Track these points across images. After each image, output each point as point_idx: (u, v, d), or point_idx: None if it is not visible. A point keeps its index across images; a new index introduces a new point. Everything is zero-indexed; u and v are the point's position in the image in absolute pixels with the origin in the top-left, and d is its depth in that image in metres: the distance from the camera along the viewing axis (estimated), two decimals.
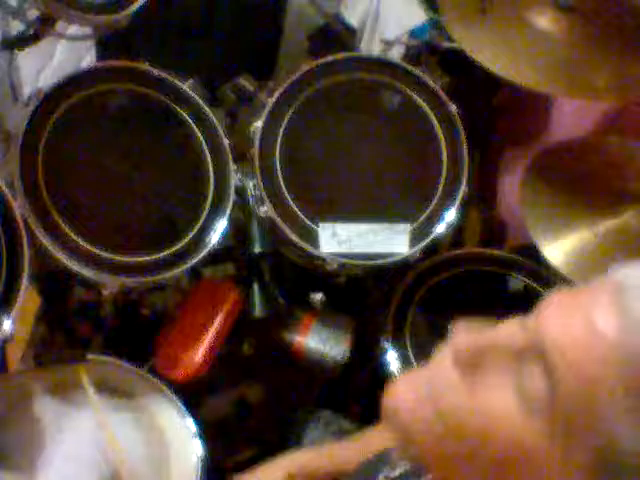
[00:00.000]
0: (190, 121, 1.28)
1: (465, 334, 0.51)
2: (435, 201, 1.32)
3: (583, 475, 0.46)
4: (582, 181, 1.30)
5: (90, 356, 1.17)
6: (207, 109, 1.29)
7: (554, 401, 0.46)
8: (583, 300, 0.47)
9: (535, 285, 1.39)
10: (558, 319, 0.47)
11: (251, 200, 1.30)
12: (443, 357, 0.52)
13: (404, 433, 0.53)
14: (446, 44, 1.47)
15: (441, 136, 1.34)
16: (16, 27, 1.28)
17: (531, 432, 0.47)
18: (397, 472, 0.70)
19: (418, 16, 1.58)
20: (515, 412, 0.47)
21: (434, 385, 0.51)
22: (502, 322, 0.51)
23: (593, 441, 0.45)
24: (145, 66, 1.27)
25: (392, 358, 1.30)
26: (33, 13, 1.22)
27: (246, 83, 1.45)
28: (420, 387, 0.52)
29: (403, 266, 1.33)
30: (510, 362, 0.49)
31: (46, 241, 1.11)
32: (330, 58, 1.35)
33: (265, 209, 1.26)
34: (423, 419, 0.51)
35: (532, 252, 1.28)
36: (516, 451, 0.47)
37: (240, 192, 1.30)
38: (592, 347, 0.45)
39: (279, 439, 1.34)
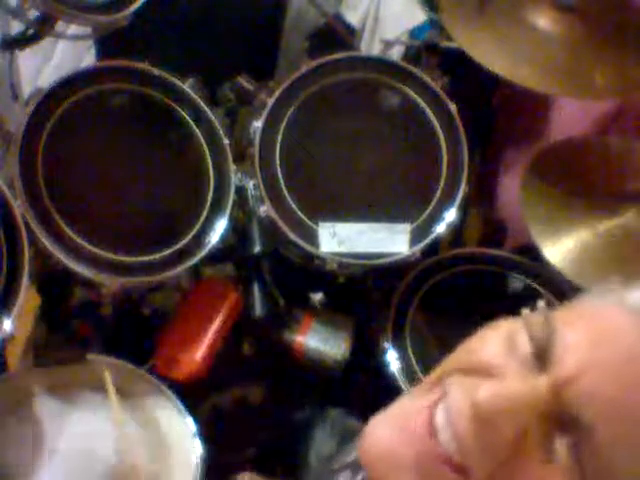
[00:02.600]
0: (190, 121, 1.28)
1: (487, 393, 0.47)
2: (435, 201, 1.32)
3: None
4: (582, 181, 1.30)
5: (90, 356, 1.17)
6: (207, 109, 1.29)
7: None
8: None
9: (535, 285, 1.39)
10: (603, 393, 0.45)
11: (251, 200, 1.30)
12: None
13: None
14: (446, 44, 1.47)
15: (441, 136, 1.34)
16: (16, 27, 1.28)
17: None
18: (359, 477, 0.69)
19: (418, 16, 1.58)
20: None
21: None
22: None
23: None
24: (145, 66, 1.27)
25: (392, 358, 1.30)
26: (33, 13, 1.22)
27: (246, 83, 1.45)
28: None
29: (403, 266, 1.33)
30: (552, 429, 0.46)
31: (46, 241, 1.11)
32: (330, 58, 1.35)
33: (265, 209, 1.26)
34: None
35: (532, 252, 1.28)
36: None
37: (240, 192, 1.30)
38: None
39: (280, 439, 1.34)
